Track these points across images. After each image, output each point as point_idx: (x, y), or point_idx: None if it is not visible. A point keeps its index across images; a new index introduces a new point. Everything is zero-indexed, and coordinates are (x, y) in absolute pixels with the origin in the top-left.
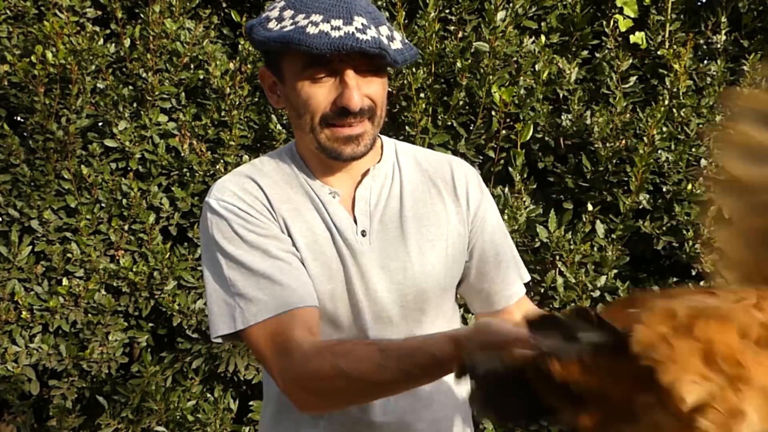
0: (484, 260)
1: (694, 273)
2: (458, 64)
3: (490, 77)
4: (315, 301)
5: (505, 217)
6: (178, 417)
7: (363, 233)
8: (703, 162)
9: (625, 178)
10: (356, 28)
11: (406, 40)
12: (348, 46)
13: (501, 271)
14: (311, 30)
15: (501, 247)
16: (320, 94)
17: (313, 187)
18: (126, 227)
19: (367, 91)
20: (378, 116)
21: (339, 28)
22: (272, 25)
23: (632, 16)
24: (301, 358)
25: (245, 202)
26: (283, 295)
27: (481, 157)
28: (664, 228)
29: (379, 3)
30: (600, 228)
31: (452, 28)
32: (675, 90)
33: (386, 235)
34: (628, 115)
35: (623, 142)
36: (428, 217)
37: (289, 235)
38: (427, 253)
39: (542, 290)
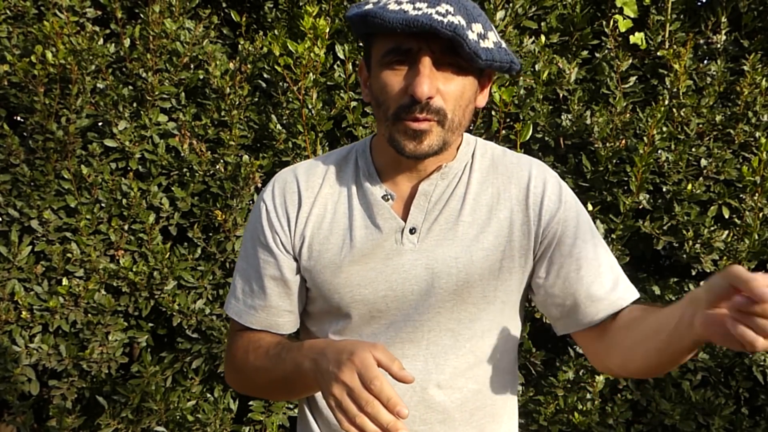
0: (565, 277)
1: (694, 273)
2: None
3: None
4: (274, 329)
5: None
6: (178, 417)
7: (412, 231)
8: (703, 162)
9: (625, 178)
10: (437, 11)
11: (507, 48)
12: (419, 23)
13: (584, 286)
14: (392, 7)
15: (584, 261)
16: (396, 82)
17: (366, 189)
18: (126, 227)
19: (441, 87)
20: (449, 120)
21: (419, 9)
22: (367, 6)
23: (632, 16)
24: (231, 351)
25: (274, 205)
26: (250, 314)
27: None
28: (664, 228)
29: None
30: (600, 228)
31: None
32: (675, 90)
33: (437, 236)
34: (628, 115)
35: (623, 142)
36: (489, 224)
37: (302, 247)
38: (477, 262)
39: None
